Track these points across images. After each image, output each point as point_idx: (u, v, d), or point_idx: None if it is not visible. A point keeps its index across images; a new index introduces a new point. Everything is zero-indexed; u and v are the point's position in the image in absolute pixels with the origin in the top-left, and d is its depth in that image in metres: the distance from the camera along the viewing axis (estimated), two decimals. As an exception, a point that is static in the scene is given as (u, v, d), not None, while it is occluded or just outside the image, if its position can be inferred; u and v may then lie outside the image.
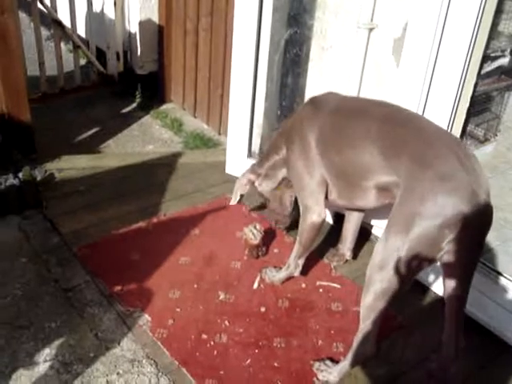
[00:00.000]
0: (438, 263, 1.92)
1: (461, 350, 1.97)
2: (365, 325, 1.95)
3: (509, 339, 2.27)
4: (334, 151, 2.15)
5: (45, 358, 2.08)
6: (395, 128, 1.97)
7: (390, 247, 1.82)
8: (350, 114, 2.16)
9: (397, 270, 1.80)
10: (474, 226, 1.75)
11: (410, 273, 1.82)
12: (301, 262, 2.46)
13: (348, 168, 2.11)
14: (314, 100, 2.35)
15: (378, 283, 1.86)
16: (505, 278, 2.39)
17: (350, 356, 2.03)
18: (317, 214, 2.30)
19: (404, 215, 1.79)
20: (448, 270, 1.89)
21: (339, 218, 2.75)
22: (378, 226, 2.80)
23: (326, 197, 2.29)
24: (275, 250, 2.73)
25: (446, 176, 1.73)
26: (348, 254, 2.66)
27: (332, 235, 2.79)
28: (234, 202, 2.64)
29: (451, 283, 1.90)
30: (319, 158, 2.21)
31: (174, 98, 4.30)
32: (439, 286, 2.48)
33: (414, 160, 1.82)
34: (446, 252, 1.78)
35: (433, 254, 1.79)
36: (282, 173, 2.49)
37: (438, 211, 1.71)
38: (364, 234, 2.74)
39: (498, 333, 2.29)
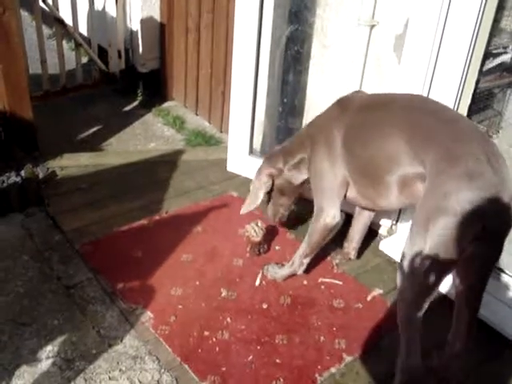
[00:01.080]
0: None
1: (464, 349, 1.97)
2: (405, 337, 1.88)
3: (510, 335, 2.27)
4: (360, 145, 2.10)
5: (47, 355, 2.09)
6: (424, 117, 1.92)
7: (414, 249, 1.76)
8: (378, 107, 2.13)
9: (424, 273, 1.74)
10: (494, 227, 1.72)
11: (438, 274, 1.76)
12: (306, 261, 2.46)
13: (373, 161, 2.04)
14: (340, 100, 2.31)
15: (409, 291, 1.82)
16: (507, 274, 2.39)
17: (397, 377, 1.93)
18: (331, 216, 2.28)
19: (427, 211, 1.74)
20: (464, 272, 1.87)
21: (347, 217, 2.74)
22: (386, 226, 2.80)
23: (344, 197, 2.26)
24: (277, 247, 2.73)
25: (475, 174, 1.68)
26: (353, 254, 2.65)
27: (336, 233, 2.77)
28: (257, 203, 2.52)
29: (466, 285, 1.88)
30: (344, 156, 2.16)
31: (175, 96, 4.30)
32: (441, 284, 2.48)
33: (442, 153, 1.77)
34: (465, 254, 1.74)
35: (455, 254, 1.72)
36: (305, 174, 2.44)
37: (460, 208, 1.66)
38: (369, 233, 2.71)
39: (499, 329, 2.29)
